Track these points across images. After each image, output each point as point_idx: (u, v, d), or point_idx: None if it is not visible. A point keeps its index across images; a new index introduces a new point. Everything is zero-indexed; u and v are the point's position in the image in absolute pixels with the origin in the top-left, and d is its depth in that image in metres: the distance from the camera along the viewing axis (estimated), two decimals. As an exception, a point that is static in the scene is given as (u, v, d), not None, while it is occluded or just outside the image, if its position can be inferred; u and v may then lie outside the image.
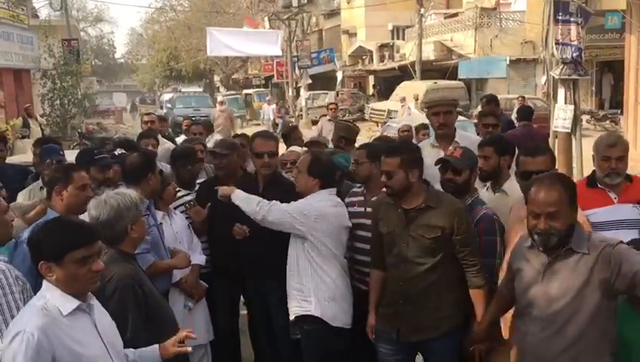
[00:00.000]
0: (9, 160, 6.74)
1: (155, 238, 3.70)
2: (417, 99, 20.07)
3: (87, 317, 2.34)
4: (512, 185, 3.63)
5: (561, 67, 10.04)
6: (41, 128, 15.64)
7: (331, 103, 11.53)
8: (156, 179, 3.89)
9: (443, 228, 3.25)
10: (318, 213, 3.64)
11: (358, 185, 4.12)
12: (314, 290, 3.68)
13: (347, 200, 3.98)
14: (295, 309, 3.77)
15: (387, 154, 3.39)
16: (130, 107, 43.76)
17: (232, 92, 37.35)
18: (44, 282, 2.30)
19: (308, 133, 13.53)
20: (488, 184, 3.88)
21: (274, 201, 3.72)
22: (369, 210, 3.81)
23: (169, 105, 28.83)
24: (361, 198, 3.98)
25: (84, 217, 3.42)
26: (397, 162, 3.29)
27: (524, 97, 17.33)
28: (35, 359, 2.11)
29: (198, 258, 4.18)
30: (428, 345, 3.40)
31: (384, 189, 3.42)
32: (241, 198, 3.79)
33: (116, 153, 4.64)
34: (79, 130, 19.97)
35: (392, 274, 3.44)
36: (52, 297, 2.25)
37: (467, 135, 4.61)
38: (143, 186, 3.68)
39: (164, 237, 3.91)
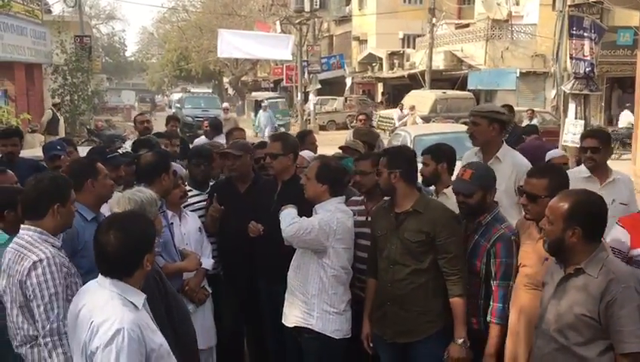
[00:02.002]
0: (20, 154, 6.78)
1: (166, 239, 3.70)
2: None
3: (145, 309, 2.43)
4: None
5: (572, 82, 10.07)
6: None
7: (362, 114, 10.46)
8: (169, 180, 3.90)
9: (427, 233, 3.33)
10: (343, 229, 3.62)
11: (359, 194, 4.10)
12: (319, 305, 3.65)
13: (349, 208, 3.93)
14: (296, 319, 3.74)
15: (380, 156, 3.68)
16: (150, 106, 42.89)
17: (275, 94, 31.49)
18: (108, 278, 2.35)
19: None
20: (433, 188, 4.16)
21: (303, 217, 3.66)
22: (370, 219, 3.83)
23: (178, 105, 28.92)
24: (362, 208, 3.98)
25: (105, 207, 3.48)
26: (384, 162, 3.51)
27: (533, 110, 17.23)
28: (136, 353, 2.20)
29: (206, 262, 4.16)
30: (413, 348, 3.43)
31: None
32: (284, 212, 3.72)
33: (121, 152, 4.69)
34: (88, 127, 20.06)
35: (382, 277, 3.52)
36: (123, 291, 2.33)
37: (513, 154, 4.30)
38: (156, 185, 3.69)
39: (174, 237, 3.92)
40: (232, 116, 16.42)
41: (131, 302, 2.31)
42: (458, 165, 3.91)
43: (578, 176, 4.26)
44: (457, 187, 3.47)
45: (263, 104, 24.51)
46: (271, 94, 31.09)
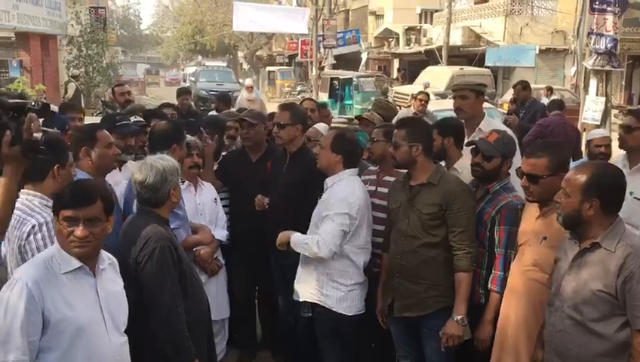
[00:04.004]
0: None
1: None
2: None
3: (89, 280, 2.40)
4: (463, 163, 3.72)
5: (594, 57, 9.82)
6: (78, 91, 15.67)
7: (421, 93, 9.19)
8: (184, 149, 3.89)
9: (440, 205, 3.29)
10: (359, 207, 3.53)
11: (375, 165, 4.09)
12: (331, 282, 3.60)
13: (362, 178, 3.95)
14: (309, 295, 3.70)
15: (397, 127, 3.55)
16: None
17: (365, 72, 25.56)
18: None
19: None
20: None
21: (322, 231, 3.52)
22: (380, 189, 3.83)
23: (192, 79, 28.82)
24: (374, 177, 3.97)
25: (114, 175, 3.47)
26: (402, 134, 3.40)
27: (551, 88, 16.78)
28: (27, 308, 2.20)
29: (220, 233, 4.13)
30: (421, 323, 3.40)
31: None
32: (299, 244, 3.60)
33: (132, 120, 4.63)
34: (102, 99, 20.07)
35: (392, 249, 3.50)
36: (58, 254, 2.36)
37: (494, 122, 4.42)
38: (173, 154, 3.64)
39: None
40: (256, 98, 12.55)
41: (58, 264, 2.33)
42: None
43: (618, 158, 3.95)
44: (480, 145, 3.42)
45: (353, 82, 20.10)
46: (358, 72, 25.36)
